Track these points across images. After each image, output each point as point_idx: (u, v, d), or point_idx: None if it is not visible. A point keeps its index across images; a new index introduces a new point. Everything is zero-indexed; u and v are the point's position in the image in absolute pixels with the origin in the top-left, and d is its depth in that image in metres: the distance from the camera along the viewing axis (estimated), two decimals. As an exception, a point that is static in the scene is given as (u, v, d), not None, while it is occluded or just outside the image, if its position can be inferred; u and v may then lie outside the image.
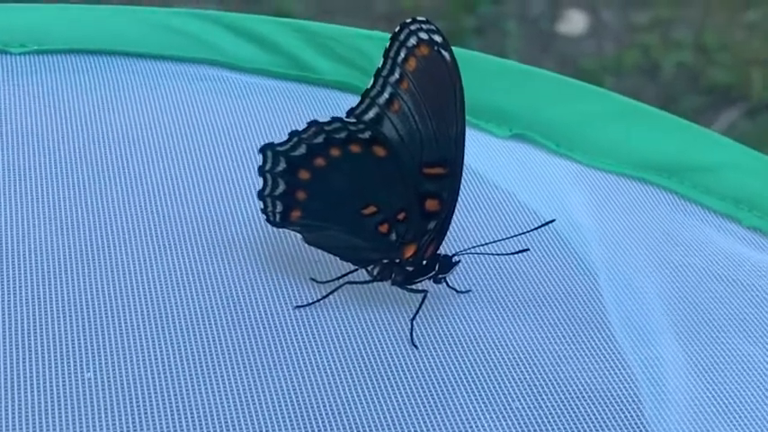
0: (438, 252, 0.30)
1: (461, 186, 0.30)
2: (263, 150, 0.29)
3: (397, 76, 0.29)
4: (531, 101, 0.40)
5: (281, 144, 0.29)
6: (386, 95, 0.29)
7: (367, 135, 0.29)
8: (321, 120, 0.29)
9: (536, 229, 0.32)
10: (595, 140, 0.39)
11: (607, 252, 0.34)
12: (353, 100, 0.40)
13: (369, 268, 0.31)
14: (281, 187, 0.30)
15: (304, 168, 0.29)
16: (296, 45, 0.42)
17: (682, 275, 0.34)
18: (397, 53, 0.29)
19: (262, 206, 0.30)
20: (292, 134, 0.29)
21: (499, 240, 0.32)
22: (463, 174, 0.30)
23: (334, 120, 0.29)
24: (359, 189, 0.29)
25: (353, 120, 0.29)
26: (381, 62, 0.29)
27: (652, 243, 0.35)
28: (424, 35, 0.29)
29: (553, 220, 0.32)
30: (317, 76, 0.41)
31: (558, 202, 0.36)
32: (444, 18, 1.08)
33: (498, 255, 0.32)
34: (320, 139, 0.29)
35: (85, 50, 0.41)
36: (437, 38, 0.29)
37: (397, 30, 0.29)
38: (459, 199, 0.30)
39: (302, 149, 0.29)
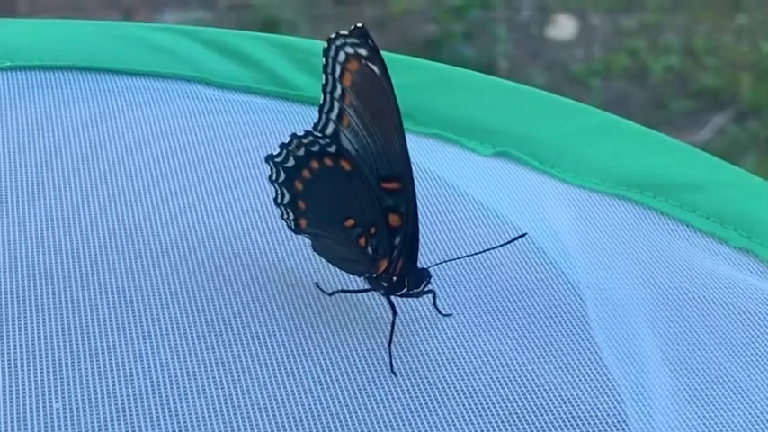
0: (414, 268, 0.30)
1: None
2: (267, 161, 0.31)
3: (339, 91, 0.29)
4: (515, 118, 0.40)
5: (276, 155, 0.30)
6: (336, 111, 0.29)
7: (333, 149, 0.30)
8: (298, 133, 0.30)
9: (510, 242, 0.32)
10: (579, 158, 0.39)
11: (593, 272, 0.34)
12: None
13: (361, 279, 0.31)
14: (287, 196, 0.31)
15: (297, 179, 0.30)
16: (276, 61, 0.41)
17: (669, 297, 0.33)
18: (333, 69, 0.29)
19: (280, 214, 0.31)
20: (281, 146, 0.30)
21: (474, 254, 0.32)
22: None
23: (308, 133, 0.30)
24: (338, 202, 0.30)
25: (320, 134, 0.30)
26: (323, 77, 0.29)
27: (638, 264, 0.35)
28: (350, 50, 0.29)
29: (525, 234, 0.32)
30: (297, 92, 0.41)
31: (543, 221, 0.36)
32: (433, 23, 1.08)
33: (455, 259, 0.33)
34: (302, 152, 0.30)
35: (61, 67, 0.41)
36: (362, 51, 0.28)
37: (325, 46, 0.29)
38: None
39: (291, 161, 0.30)
